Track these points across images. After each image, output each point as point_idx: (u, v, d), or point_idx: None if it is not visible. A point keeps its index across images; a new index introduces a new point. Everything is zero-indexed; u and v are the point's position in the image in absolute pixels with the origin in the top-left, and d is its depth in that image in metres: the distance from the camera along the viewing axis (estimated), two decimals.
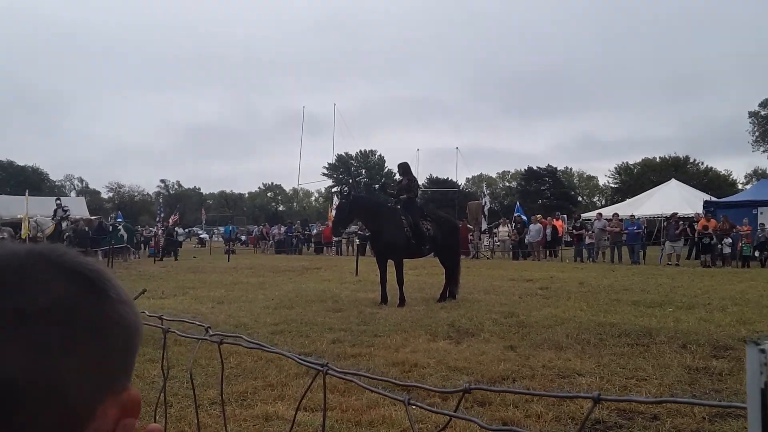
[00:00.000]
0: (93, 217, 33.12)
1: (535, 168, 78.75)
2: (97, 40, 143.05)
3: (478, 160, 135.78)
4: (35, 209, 25.99)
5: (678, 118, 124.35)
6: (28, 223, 23.27)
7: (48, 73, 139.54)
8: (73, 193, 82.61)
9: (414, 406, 1.08)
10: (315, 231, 35.30)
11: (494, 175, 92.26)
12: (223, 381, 1.84)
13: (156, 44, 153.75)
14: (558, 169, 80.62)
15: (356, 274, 16.66)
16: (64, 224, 24.68)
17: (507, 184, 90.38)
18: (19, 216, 25.17)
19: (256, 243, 39.76)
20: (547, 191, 77.11)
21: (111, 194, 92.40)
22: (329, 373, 1.25)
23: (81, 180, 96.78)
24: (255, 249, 38.73)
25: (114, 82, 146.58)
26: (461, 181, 78.05)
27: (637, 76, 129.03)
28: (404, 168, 12.23)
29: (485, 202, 29.19)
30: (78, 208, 35.39)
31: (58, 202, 27.40)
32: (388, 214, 11.46)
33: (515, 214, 28.87)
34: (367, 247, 30.21)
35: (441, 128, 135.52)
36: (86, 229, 26.01)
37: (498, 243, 28.16)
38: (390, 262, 11.12)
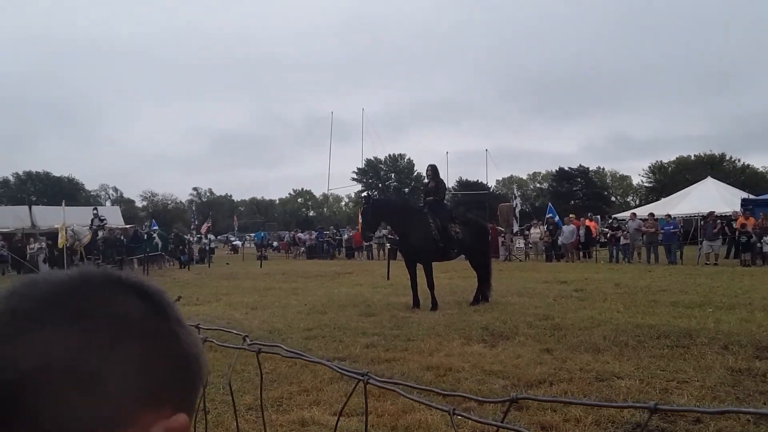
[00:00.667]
0: (128, 226, 33.66)
1: (566, 168, 77.93)
2: (128, 51, 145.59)
3: (507, 161, 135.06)
4: (72, 219, 26.50)
5: (712, 115, 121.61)
6: (65, 232, 23.76)
7: (81, 85, 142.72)
8: (108, 203, 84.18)
9: (458, 416, 1.06)
10: (346, 236, 35.37)
11: (525, 177, 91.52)
12: (262, 387, 1.84)
13: (184, 52, 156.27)
14: (590, 169, 79.65)
15: (388, 278, 16.63)
16: (100, 233, 25.15)
17: (538, 185, 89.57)
18: (56, 226, 25.70)
19: (287, 249, 40.01)
20: (579, 192, 76.23)
21: (145, 203, 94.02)
22: (370, 382, 1.22)
23: (116, 189, 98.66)
24: (287, 255, 38.99)
25: (146, 92, 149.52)
26: (491, 184, 77.59)
27: (669, 73, 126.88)
28: (432, 170, 12.19)
29: (516, 204, 28.98)
30: (113, 218, 36.02)
31: (95, 211, 27.97)
32: (415, 216, 11.43)
33: (547, 216, 28.55)
34: (398, 251, 30.29)
35: (470, 130, 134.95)
36: (121, 237, 26.43)
37: (531, 245, 27.90)
38: (420, 266, 11.05)
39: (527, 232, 28.97)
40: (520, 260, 26.52)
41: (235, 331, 1.74)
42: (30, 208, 36.39)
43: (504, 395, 4.99)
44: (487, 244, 12.12)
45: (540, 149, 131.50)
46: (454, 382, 5.61)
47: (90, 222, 26.23)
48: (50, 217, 31.06)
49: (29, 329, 0.49)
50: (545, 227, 27.20)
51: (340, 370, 1.34)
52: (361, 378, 1.24)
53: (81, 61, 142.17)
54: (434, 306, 10.61)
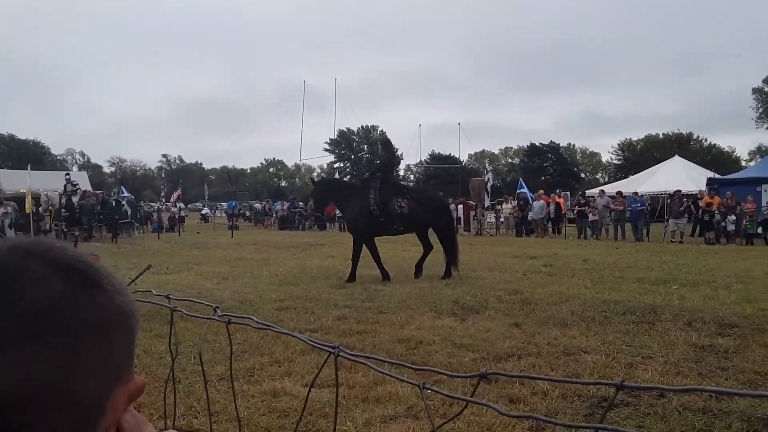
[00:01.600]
0: (97, 192, 33.06)
1: (537, 144, 78.45)
2: (98, 11, 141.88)
3: (480, 136, 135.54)
4: (37, 184, 25.96)
5: (682, 95, 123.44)
6: (41, 198, 23.26)
7: (48, 46, 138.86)
8: (75, 168, 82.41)
9: (429, 390, 1.08)
10: None
11: (497, 152, 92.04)
12: (232, 359, 1.84)
13: (157, 15, 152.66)
14: (561, 145, 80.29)
15: None
16: (73, 199, 24.68)
17: (510, 160, 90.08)
18: (22, 191, 25.14)
19: (257, 220, 39.77)
20: (549, 167, 76.87)
21: (113, 169, 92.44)
22: (341, 355, 1.24)
23: (83, 154, 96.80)
24: (258, 225, 38.77)
25: (115, 55, 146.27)
26: (464, 158, 77.87)
27: (641, 52, 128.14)
28: (383, 144, 12.38)
29: (488, 179, 29.06)
30: (81, 183, 35.31)
31: (68, 176, 27.37)
32: (354, 193, 11.69)
33: (519, 191, 28.80)
34: None
35: (444, 104, 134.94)
36: (95, 203, 25.95)
37: (502, 220, 28.14)
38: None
39: (498, 207, 29.19)
40: (491, 235, 26.77)
41: (205, 302, 1.73)
42: None
43: (474, 369, 5.08)
44: (446, 219, 12.01)
45: (513, 124, 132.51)
46: (425, 355, 5.68)
47: (63, 187, 25.69)
48: (16, 181, 30.31)
49: None
50: (516, 202, 27.44)
51: (311, 343, 1.35)
52: (332, 351, 1.26)
53: (50, 21, 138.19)
54: (385, 277, 10.90)
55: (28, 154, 70.11)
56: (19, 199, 25.12)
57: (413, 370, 3.97)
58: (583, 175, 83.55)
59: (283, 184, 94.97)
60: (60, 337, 0.48)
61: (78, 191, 25.66)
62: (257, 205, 43.04)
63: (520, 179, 32.24)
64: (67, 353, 0.48)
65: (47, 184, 28.58)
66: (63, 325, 0.48)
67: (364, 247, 11.10)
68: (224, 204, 52.23)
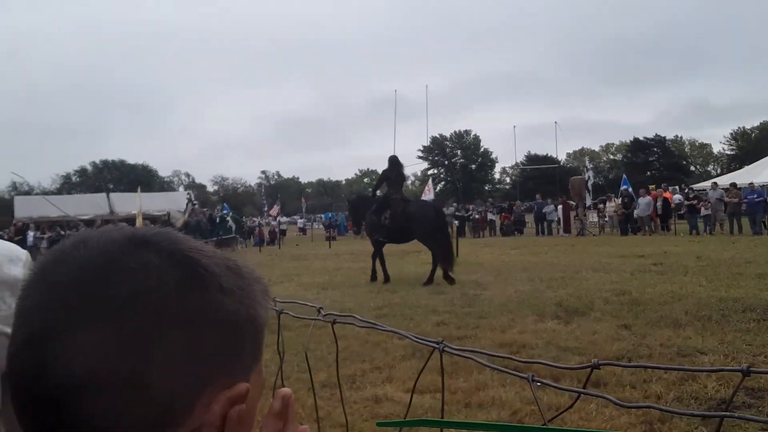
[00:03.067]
0: (204, 209, 34.71)
1: (641, 138, 75.30)
2: (196, 39, 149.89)
3: (578, 133, 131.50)
4: (148, 205, 27.58)
5: None
6: (168, 217, 24.73)
7: (152, 74, 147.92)
8: (181, 188, 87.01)
9: (538, 383, 1.00)
10: None
11: (597, 149, 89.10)
12: (338, 359, 1.83)
13: (249, 39, 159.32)
14: (667, 138, 76.67)
15: (457, 255, 16.50)
16: (193, 218, 26.22)
17: (611, 157, 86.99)
18: (133, 212, 26.76)
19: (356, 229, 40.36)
20: (655, 162, 73.60)
21: (216, 187, 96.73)
22: (445, 350, 1.18)
23: (187, 175, 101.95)
24: (354, 235, 39.34)
25: (214, 80, 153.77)
26: (561, 157, 75.84)
27: (749, 33, 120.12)
28: (388, 160, 12.95)
29: (588, 177, 28.10)
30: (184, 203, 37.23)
31: (188, 196, 29.08)
32: (371, 207, 12.94)
33: (622, 188, 27.62)
34: (466, 229, 30.07)
35: (538, 102, 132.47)
36: (204, 220, 27.30)
37: (605, 219, 27.11)
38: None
39: (601, 206, 28.16)
40: (594, 235, 25.82)
41: (309, 304, 1.73)
42: (108, 196, 38.01)
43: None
44: (436, 226, 11.83)
45: (613, 119, 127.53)
46: (529, 359, 5.50)
47: (185, 206, 27.30)
48: (127, 203, 32.37)
49: (64, 329, 0.46)
50: (620, 200, 26.35)
51: (414, 339, 1.31)
52: (437, 346, 1.20)
53: (151, 50, 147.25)
54: (373, 278, 12.14)
55: (137, 178, 74.90)
56: (131, 221, 26.75)
57: (519, 366, 3.84)
58: (692, 168, 79.33)
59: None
60: (146, 327, 0.47)
61: (196, 209, 27.11)
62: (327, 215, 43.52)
63: (624, 176, 30.90)
64: (151, 344, 0.47)
65: (156, 205, 30.30)
66: (156, 314, 0.47)
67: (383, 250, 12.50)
68: (322, 216, 53.38)
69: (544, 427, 0.59)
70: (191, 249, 0.52)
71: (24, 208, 33.82)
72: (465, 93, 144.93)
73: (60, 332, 0.46)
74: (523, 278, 11.17)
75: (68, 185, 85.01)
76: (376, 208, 12.36)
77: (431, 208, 12.79)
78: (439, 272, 11.41)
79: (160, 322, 0.48)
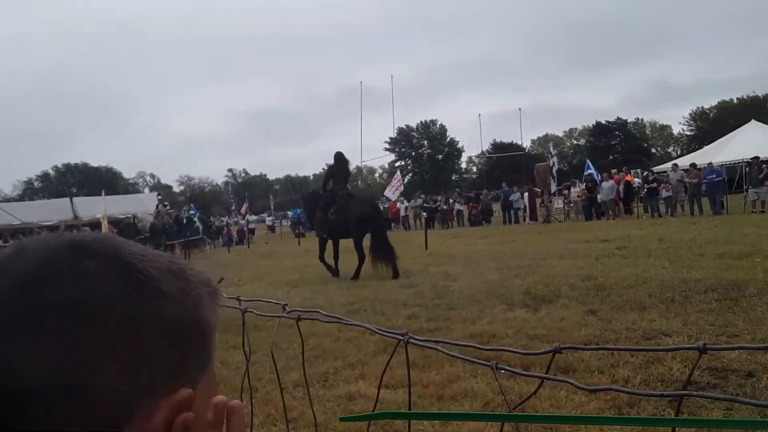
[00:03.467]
0: (170, 211, 34.27)
1: (603, 122, 76.38)
2: (156, 35, 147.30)
3: (543, 119, 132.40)
4: (112, 208, 27.13)
5: (756, 54, 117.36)
6: (133, 220, 24.46)
7: (112, 74, 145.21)
8: (146, 189, 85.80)
9: (502, 371, 1.03)
10: (381, 208, 35.33)
11: (561, 134, 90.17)
12: (304, 357, 1.84)
13: (211, 32, 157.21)
14: (628, 121, 77.90)
15: (426, 247, 16.61)
16: (164, 219, 26.05)
17: (575, 142, 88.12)
18: (98, 216, 26.29)
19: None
20: (618, 146, 74.79)
21: (182, 188, 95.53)
22: (410, 342, 1.21)
23: (153, 176, 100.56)
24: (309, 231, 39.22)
25: (176, 77, 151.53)
26: (526, 144, 76.55)
27: (707, 13, 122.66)
28: (334, 157, 13.23)
29: (553, 163, 28.41)
30: (151, 204, 36.68)
31: (159, 197, 28.77)
32: (320, 203, 13.12)
33: (586, 173, 28.01)
34: (435, 221, 30.21)
35: (503, 90, 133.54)
36: (170, 221, 26.99)
37: (570, 205, 27.47)
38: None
39: (566, 192, 28.53)
40: (560, 221, 26.19)
41: (274, 301, 1.73)
42: (71, 200, 37.33)
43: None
44: (373, 227, 12.18)
45: (576, 104, 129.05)
46: (477, 350, 5.57)
47: (155, 207, 27.03)
48: (91, 207, 31.78)
49: (6, 339, 0.46)
50: (584, 185, 26.73)
51: (379, 331, 1.34)
52: (401, 338, 1.23)
53: (113, 48, 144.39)
54: (335, 274, 12.34)
55: (101, 181, 73.66)
56: (94, 225, 26.28)
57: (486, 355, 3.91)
58: (654, 150, 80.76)
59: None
60: (84, 335, 0.46)
61: (168, 211, 26.89)
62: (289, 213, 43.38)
63: (587, 160, 31.32)
64: (89, 353, 0.46)
65: (120, 208, 29.80)
66: (93, 322, 0.47)
67: (330, 245, 12.72)
68: (290, 213, 53.15)
69: (504, 413, 0.61)
70: (130, 254, 0.51)
71: None
72: (430, 82, 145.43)
73: None
74: (492, 267, 11.29)
75: (30, 191, 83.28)
76: (324, 204, 12.67)
77: (368, 205, 13.02)
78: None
79: (98, 330, 0.47)
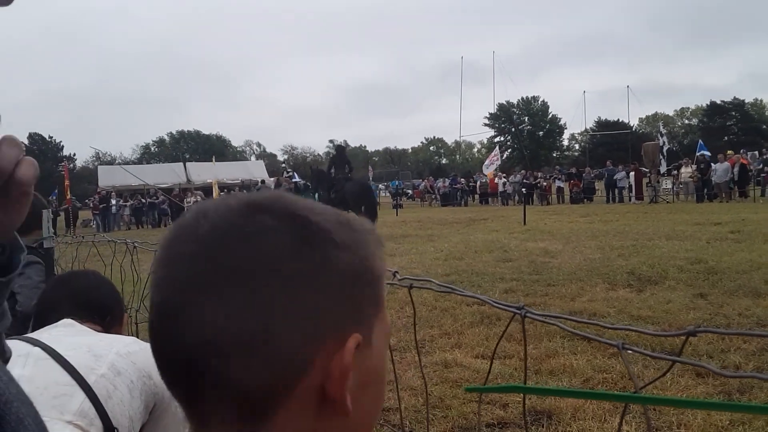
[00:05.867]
0: (272, 179, 35.41)
1: (718, 102, 71.65)
2: (267, 8, 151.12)
3: (652, 98, 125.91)
4: (221, 174, 28.38)
5: None
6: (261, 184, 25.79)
7: (226, 45, 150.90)
8: (252, 157, 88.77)
9: (629, 351, 0.99)
10: (479, 182, 34.96)
11: (671, 113, 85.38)
12: (415, 325, 1.86)
13: (320, 6, 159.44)
14: (746, 101, 72.67)
15: (524, 223, 16.32)
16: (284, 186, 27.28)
17: (686, 121, 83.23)
18: (209, 181, 27.54)
19: (422, 197, 40.28)
20: (733, 126, 70.06)
21: (286, 156, 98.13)
22: (527, 315, 1.18)
23: (259, 145, 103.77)
24: (421, 202, 39.29)
25: (284, 50, 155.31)
26: (634, 122, 73.12)
27: None
28: (335, 148, 16.66)
29: (663, 143, 27.03)
30: (258, 171, 38.03)
31: (283, 165, 30.26)
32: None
33: (698, 153, 26.46)
34: (534, 197, 29.55)
35: (610, 66, 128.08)
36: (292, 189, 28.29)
37: (680, 185, 26.09)
38: None
39: (675, 172, 27.10)
40: (668, 202, 24.96)
41: (387, 268, 1.76)
42: (185, 165, 39.30)
43: (656, 342, 4.77)
44: (365, 202, 14.89)
45: (689, 82, 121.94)
46: (600, 328, 5.44)
47: (283, 174, 28.68)
48: (203, 172, 33.33)
49: (191, 298, 0.50)
50: (695, 166, 25.29)
51: (495, 304, 1.30)
52: (518, 311, 1.20)
53: (225, 21, 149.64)
54: None
55: (212, 148, 77.05)
56: (206, 189, 27.54)
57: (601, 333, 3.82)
58: None
59: (444, 161, 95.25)
60: (267, 285, 0.49)
61: (292, 179, 28.18)
62: (420, 183, 43.46)
63: (700, 141, 29.54)
64: (272, 304, 0.49)
65: (230, 173, 31.09)
66: (273, 275, 0.50)
67: None
68: (388, 184, 53.48)
69: (634, 394, 0.60)
70: (303, 208, 0.54)
71: (107, 178, 35.29)
72: (533, 58, 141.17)
73: (188, 301, 0.50)
74: (593, 246, 10.97)
75: (147, 155, 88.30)
76: (327, 186, 15.64)
77: (359, 185, 16.00)
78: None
79: (278, 282, 0.50)
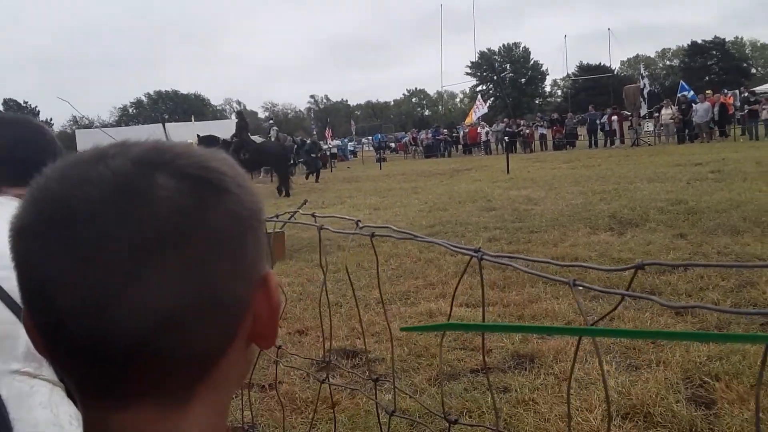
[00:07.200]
0: (254, 137, 35.15)
1: (699, 42, 71.30)
2: None
3: (633, 40, 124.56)
4: (202, 133, 28.07)
5: None
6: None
7: (199, 1, 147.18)
8: (233, 116, 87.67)
9: (580, 288, 1.00)
10: (462, 133, 34.86)
11: (653, 55, 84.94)
12: (378, 273, 1.87)
13: None
14: (726, 40, 72.38)
15: (507, 172, 16.36)
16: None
17: (668, 62, 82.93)
18: (189, 141, 27.23)
19: (405, 149, 40.19)
20: (714, 66, 69.90)
21: (267, 113, 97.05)
22: (484, 258, 1.19)
23: (239, 102, 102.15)
24: (404, 155, 39.21)
25: (259, 5, 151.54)
26: (615, 65, 72.75)
27: None
28: (236, 114, 18.77)
29: (644, 85, 27.01)
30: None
31: (270, 122, 30.04)
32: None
33: (680, 94, 26.46)
34: (517, 145, 29.55)
35: (590, 10, 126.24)
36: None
37: (661, 127, 26.17)
38: None
39: (656, 114, 27.16)
40: (650, 144, 25.08)
41: (347, 217, 1.75)
42: (164, 126, 38.76)
43: (635, 281, 4.86)
44: (276, 163, 18.03)
45: (670, 22, 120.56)
46: (581, 271, 5.51)
47: (269, 132, 28.49)
48: (183, 132, 32.88)
49: (130, 273, 0.45)
50: (677, 107, 25.33)
51: (451, 247, 1.31)
52: (474, 254, 1.21)
53: None
54: None
55: (191, 107, 75.91)
56: None
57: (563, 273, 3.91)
58: (754, 70, 75.05)
59: (427, 113, 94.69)
60: (195, 248, 0.47)
61: (278, 135, 28.17)
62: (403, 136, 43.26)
63: (682, 82, 29.52)
64: (205, 263, 0.47)
65: (211, 132, 30.67)
66: (197, 236, 0.47)
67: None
68: (370, 138, 53.24)
69: (580, 327, 0.60)
70: (201, 161, 0.51)
71: (85, 142, 34.72)
72: (513, 3, 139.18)
73: (122, 279, 0.45)
74: (576, 192, 11.05)
75: (126, 117, 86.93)
76: (234, 149, 16.38)
77: (274, 149, 18.63)
78: None
79: (209, 239, 0.48)
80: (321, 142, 32.87)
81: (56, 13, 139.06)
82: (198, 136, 18.85)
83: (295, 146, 25.53)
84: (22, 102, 78.94)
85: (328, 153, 33.98)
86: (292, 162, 26.43)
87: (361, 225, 1.61)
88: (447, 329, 0.61)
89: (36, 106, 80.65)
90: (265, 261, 0.55)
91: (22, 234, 0.47)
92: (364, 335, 3.78)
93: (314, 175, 22.56)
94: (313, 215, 1.83)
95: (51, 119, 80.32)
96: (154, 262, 0.45)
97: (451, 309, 1.58)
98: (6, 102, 76.30)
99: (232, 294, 0.49)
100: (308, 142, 25.77)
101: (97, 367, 0.47)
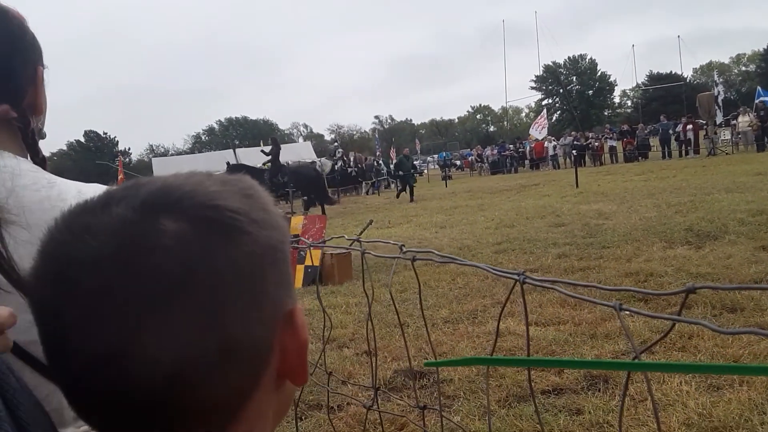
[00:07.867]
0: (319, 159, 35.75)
1: None
2: None
3: (705, 46, 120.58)
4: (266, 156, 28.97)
5: None
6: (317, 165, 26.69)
7: (266, 30, 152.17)
8: (300, 139, 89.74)
9: (626, 312, 0.96)
10: (528, 148, 34.40)
11: (727, 61, 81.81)
12: (421, 295, 1.85)
13: None
14: None
15: (576, 186, 16.01)
16: (338, 164, 27.88)
17: (743, 68, 79.67)
18: (259, 165, 27.98)
19: (471, 166, 39.98)
20: None
21: (333, 135, 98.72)
22: (526, 282, 1.19)
23: (305, 126, 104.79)
24: (470, 172, 38.99)
25: (323, 30, 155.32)
26: (687, 73, 70.47)
27: None
28: (271, 140, 19.89)
29: (718, 92, 26.00)
30: (306, 152, 38.29)
31: (335, 144, 30.79)
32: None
33: (757, 100, 25.35)
34: (586, 158, 28.91)
35: (659, 16, 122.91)
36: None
37: (739, 135, 25.09)
38: None
39: (734, 122, 26.06)
40: (727, 153, 24.06)
41: (392, 242, 1.74)
42: (234, 151, 39.94)
43: (714, 299, 4.63)
44: (314, 188, 18.77)
45: (744, 27, 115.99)
46: (656, 287, 5.31)
47: (332, 155, 29.25)
48: (253, 157, 33.80)
49: (144, 325, 0.44)
50: (755, 113, 24.24)
51: (493, 272, 1.32)
52: (517, 278, 1.21)
53: (260, 6, 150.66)
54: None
55: (260, 132, 78.31)
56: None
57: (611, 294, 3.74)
58: None
59: (492, 129, 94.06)
60: (203, 296, 0.45)
61: (342, 156, 28.84)
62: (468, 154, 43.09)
63: (758, 87, 28.28)
64: (216, 310, 0.45)
65: (280, 157, 31.47)
66: (203, 284, 0.45)
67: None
68: (435, 156, 53.27)
69: (604, 360, 0.57)
70: (207, 200, 0.48)
71: (162, 169, 36.25)
72: (577, 14, 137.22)
73: (135, 330, 0.44)
74: (649, 204, 10.68)
75: (199, 144, 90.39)
76: (271, 174, 17.86)
77: (313, 171, 20.12)
78: None
79: (219, 283, 0.46)
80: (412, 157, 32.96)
81: (126, 47, 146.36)
82: (227, 164, 19.93)
83: (393, 163, 26.22)
84: (101, 133, 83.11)
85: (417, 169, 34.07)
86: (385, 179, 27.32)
87: (404, 250, 1.61)
88: (472, 364, 0.59)
89: (115, 137, 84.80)
90: (291, 295, 0.53)
91: (35, 288, 0.47)
92: (434, 351, 3.73)
93: (407, 191, 21.65)
94: (358, 240, 1.85)
95: (129, 148, 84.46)
96: (158, 314, 0.44)
97: (497, 335, 1.54)
98: (87, 134, 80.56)
99: (250, 337, 0.47)
100: (400, 156, 25.52)
101: (117, 420, 0.46)
